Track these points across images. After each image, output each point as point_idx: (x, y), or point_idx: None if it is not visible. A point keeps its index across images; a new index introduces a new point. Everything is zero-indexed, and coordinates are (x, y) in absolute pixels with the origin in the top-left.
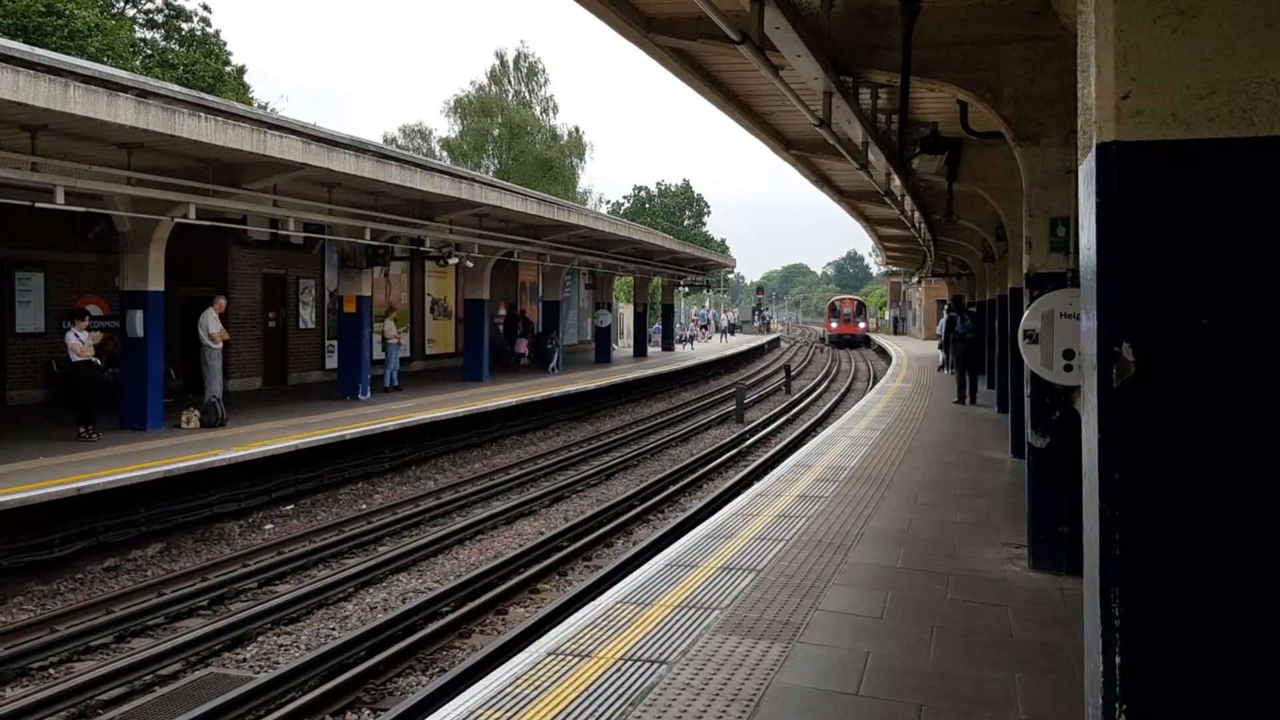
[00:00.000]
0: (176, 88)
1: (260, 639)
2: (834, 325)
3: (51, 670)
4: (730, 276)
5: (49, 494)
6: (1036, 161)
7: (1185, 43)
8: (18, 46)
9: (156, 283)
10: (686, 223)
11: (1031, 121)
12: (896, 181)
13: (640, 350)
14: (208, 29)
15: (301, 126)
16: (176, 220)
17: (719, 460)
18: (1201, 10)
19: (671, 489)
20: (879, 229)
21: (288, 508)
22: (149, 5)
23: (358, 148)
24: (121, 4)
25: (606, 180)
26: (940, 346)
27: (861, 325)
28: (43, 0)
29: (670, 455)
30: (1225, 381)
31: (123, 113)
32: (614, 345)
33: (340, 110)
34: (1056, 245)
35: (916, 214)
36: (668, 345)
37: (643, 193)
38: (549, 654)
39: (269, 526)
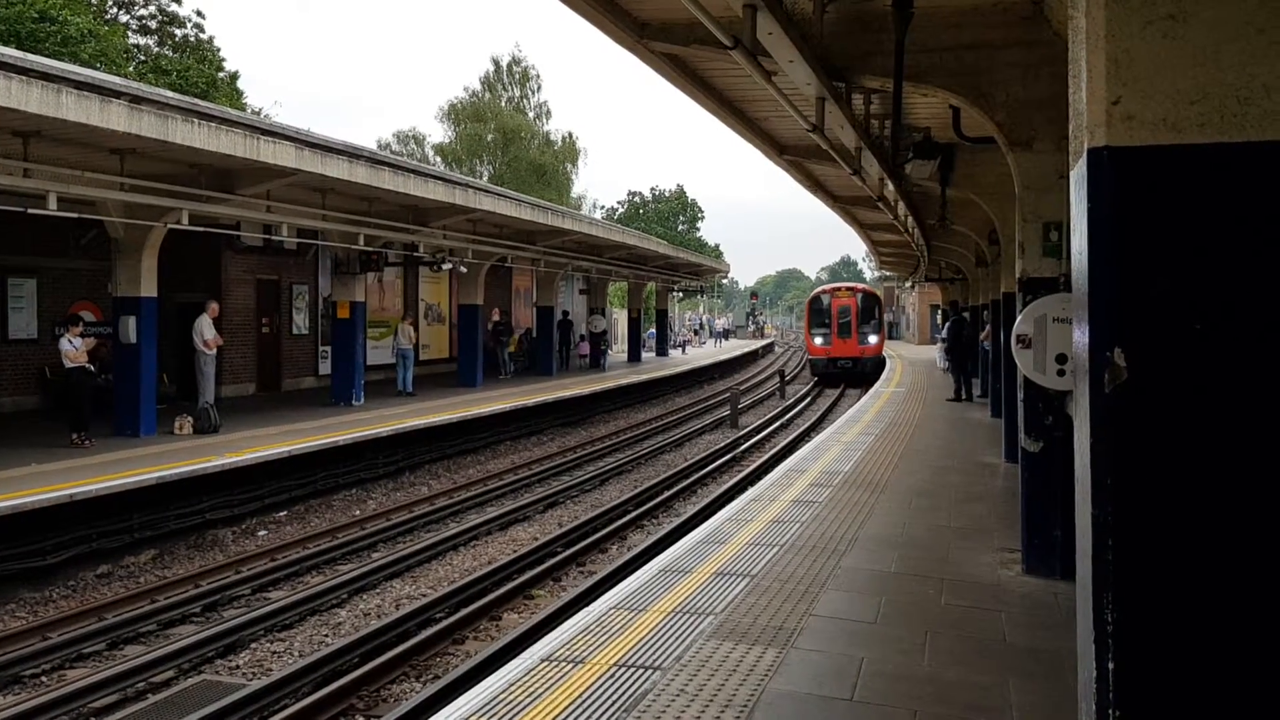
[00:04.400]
0: (169, 93)
1: (253, 646)
2: (818, 341)
3: (44, 678)
4: (724, 282)
5: (42, 500)
6: (1029, 166)
7: (1176, 47)
8: (10, 52)
9: (150, 289)
10: (680, 228)
11: (1024, 126)
12: (890, 187)
13: (634, 355)
14: (201, 35)
15: (295, 132)
16: (169, 226)
17: (713, 465)
18: (1192, 15)
19: (666, 494)
20: (872, 234)
21: (281, 514)
22: (142, 11)
23: (351, 153)
24: (115, 10)
25: (600, 185)
26: (946, 351)
27: (873, 340)
28: (36, 7)
29: (665, 460)
30: (1217, 386)
31: (115, 118)
32: (609, 350)
33: (334, 116)
34: (1049, 250)
35: (910, 219)
36: (662, 350)
37: (637, 198)
38: (543, 660)
39: (262, 533)
